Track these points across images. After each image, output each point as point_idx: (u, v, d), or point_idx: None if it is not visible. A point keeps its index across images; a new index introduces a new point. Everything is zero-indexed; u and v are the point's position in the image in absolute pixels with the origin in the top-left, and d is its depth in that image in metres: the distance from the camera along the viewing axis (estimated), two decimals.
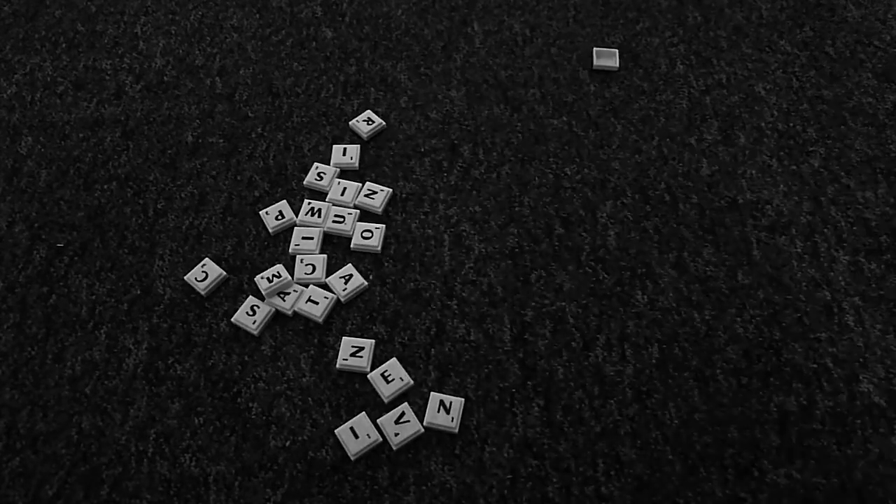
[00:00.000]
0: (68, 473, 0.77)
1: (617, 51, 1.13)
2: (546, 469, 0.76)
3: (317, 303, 0.86)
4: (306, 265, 0.89)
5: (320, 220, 0.93)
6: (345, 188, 0.96)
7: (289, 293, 0.87)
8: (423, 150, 1.03)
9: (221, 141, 1.04)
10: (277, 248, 0.93)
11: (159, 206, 0.97)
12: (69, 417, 0.81)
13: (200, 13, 1.22)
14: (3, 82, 1.12)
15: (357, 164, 1.00)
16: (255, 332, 0.84)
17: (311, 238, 0.91)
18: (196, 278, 0.88)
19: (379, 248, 0.91)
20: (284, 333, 0.86)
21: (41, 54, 1.16)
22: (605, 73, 1.11)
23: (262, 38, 1.18)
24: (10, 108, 1.09)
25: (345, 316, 0.87)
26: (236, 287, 0.90)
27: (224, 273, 0.89)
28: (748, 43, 1.15)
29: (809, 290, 0.88)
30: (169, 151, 1.03)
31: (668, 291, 0.88)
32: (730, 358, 0.83)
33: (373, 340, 0.84)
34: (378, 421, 0.78)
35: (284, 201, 0.95)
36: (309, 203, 0.95)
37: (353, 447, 0.76)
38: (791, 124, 1.05)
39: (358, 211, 0.94)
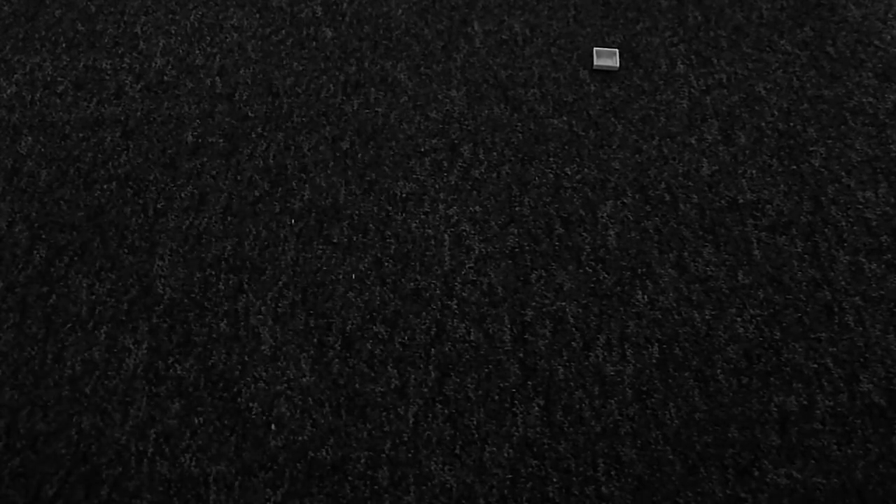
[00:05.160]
0: (68, 473, 0.77)
1: (617, 51, 1.13)
2: (546, 469, 0.76)
3: None
4: None
5: None
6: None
7: None
8: (423, 149, 1.03)
9: (221, 141, 1.04)
10: (277, 247, 0.93)
11: (159, 206, 0.97)
12: (69, 417, 0.80)
13: (200, 13, 1.22)
14: (3, 82, 1.12)
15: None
16: None
17: None
18: None
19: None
20: (285, 333, 0.86)
21: (41, 54, 1.16)
22: (605, 73, 1.11)
23: (262, 38, 1.18)
24: (10, 108, 1.09)
25: (345, 316, 0.87)
26: (236, 287, 0.90)
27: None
28: (748, 43, 1.15)
29: (809, 290, 0.88)
30: (169, 151, 1.03)
31: (668, 291, 0.88)
32: (730, 358, 0.83)
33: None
34: None
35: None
36: None
37: None
38: (791, 124, 1.05)
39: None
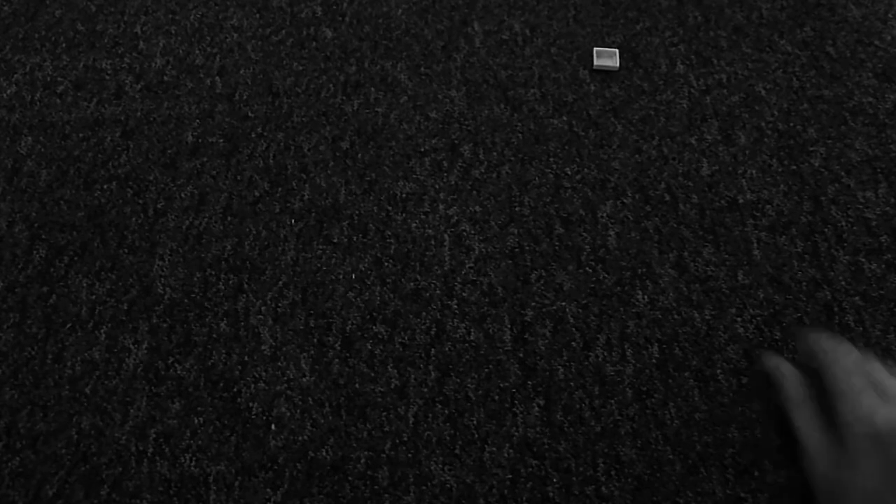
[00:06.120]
0: (68, 473, 0.77)
1: (617, 51, 1.13)
2: (546, 469, 0.76)
3: None
4: None
5: None
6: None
7: None
8: (423, 149, 1.03)
9: (221, 141, 1.04)
10: (277, 247, 0.93)
11: (159, 206, 0.97)
12: (69, 417, 0.81)
13: (200, 13, 1.22)
14: (3, 82, 1.12)
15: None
16: None
17: None
18: None
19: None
20: (285, 333, 0.86)
21: (41, 54, 1.16)
22: (605, 73, 1.11)
23: (262, 38, 1.18)
24: (10, 108, 1.09)
25: (345, 316, 0.87)
26: (236, 287, 0.90)
27: None
28: (748, 43, 1.15)
29: (809, 290, 0.88)
30: (169, 151, 1.03)
31: (669, 291, 0.88)
32: (730, 358, 0.83)
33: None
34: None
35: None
36: None
37: None
38: (791, 124, 1.05)
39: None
